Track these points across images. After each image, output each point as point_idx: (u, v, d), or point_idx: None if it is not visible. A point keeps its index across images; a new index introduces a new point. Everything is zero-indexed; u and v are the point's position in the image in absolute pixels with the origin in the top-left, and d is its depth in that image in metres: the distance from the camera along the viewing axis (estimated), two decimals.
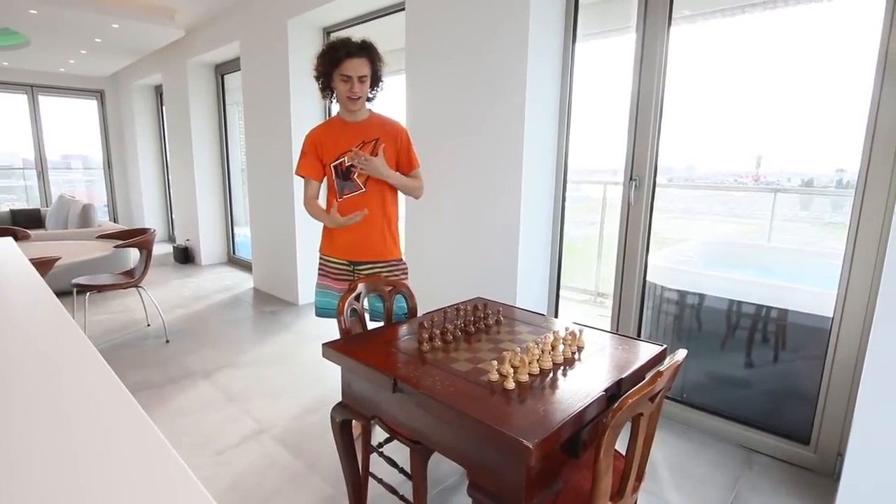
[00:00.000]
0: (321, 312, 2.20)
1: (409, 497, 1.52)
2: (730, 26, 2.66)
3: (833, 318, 1.96)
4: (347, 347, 1.50)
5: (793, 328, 2.38)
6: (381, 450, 1.76)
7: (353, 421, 1.60)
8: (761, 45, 2.58)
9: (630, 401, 1.02)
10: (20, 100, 7.11)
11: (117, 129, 7.88)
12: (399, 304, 1.98)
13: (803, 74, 2.54)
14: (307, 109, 4.16)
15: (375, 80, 2.06)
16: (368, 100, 2.10)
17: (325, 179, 2.14)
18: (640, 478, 1.26)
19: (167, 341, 3.46)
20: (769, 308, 2.42)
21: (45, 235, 4.90)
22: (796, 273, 2.85)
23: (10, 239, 2.21)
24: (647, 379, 1.08)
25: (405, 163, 2.11)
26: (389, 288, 1.91)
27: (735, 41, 2.66)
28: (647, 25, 2.27)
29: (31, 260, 1.82)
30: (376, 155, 2.03)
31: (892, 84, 1.75)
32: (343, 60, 1.94)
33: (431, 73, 2.89)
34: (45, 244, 3.84)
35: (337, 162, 2.07)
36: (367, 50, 1.99)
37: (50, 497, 0.55)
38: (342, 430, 1.59)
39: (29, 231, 4.33)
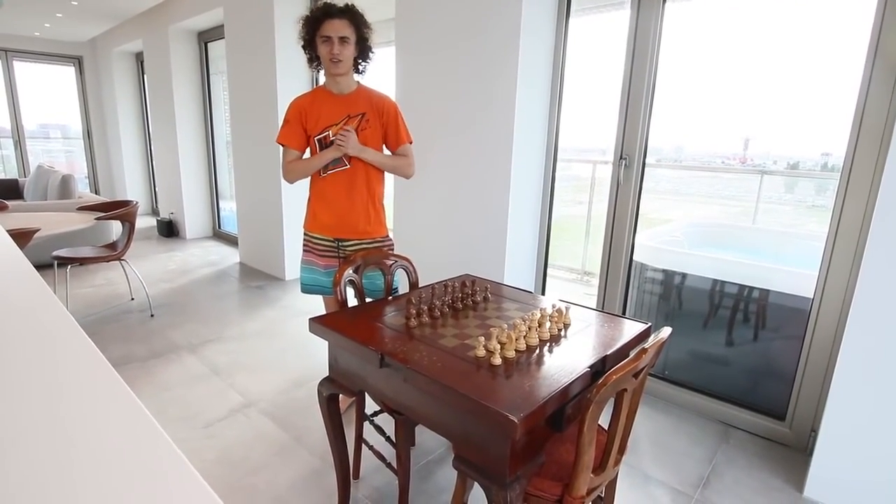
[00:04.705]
0: (306, 288, 2.19)
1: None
2: (723, 4, 2.63)
3: (813, 299, 2.00)
4: (334, 322, 1.49)
5: (773, 308, 2.43)
6: (373, 419, 1.79)
7: (341, 395, 1.62)
8: (753, 26, 2.56)
9: (614, 377, 1.03)
10: None
11: (97, 98, 7.63)
12: (378, 280, 1.98)
13: (793, 57, 2.53)
14: (294, 80, 4.06)
15: (364, 50, 2.00)
16: (358, 72, 2.04)
17: (307, 150, 2.10)
18: (621, 451, 1.29)
19: (152, 315, 3.43)
20: (751, 288, 2.46)
21: (23, 206, 4.77)
22: (779, 254, 2.89)
23: None
24: (631, 356, 1.09)
25: (392, 138, 2.06)
26: (391, 262, 1.91)
27: (727, 21, 2.64)
28: (641, 1, 2.24)
29: (8, 231, 1.78)
30: (363, 130, 2.00)
31: (881, 69, 1.75)
32: (323, 21, 1.90)
33: (421, 48, 2.82)
34: (23, 215, 3.74)
35: (321, 136, 2.02)
36: (348, 12, 1.93)
37: (30, 470, 0.55)
38: (329, 405, 1.60)
39: (6, 202, 4.22)
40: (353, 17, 1.94)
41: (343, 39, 1.90)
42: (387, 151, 2.11)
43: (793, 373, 2.09)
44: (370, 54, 2.04)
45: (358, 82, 2.07)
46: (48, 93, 7.54)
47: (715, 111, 2.95)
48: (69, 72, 7.53)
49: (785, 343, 2.32)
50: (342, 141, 1.94)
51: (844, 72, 1.94)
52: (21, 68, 7.03)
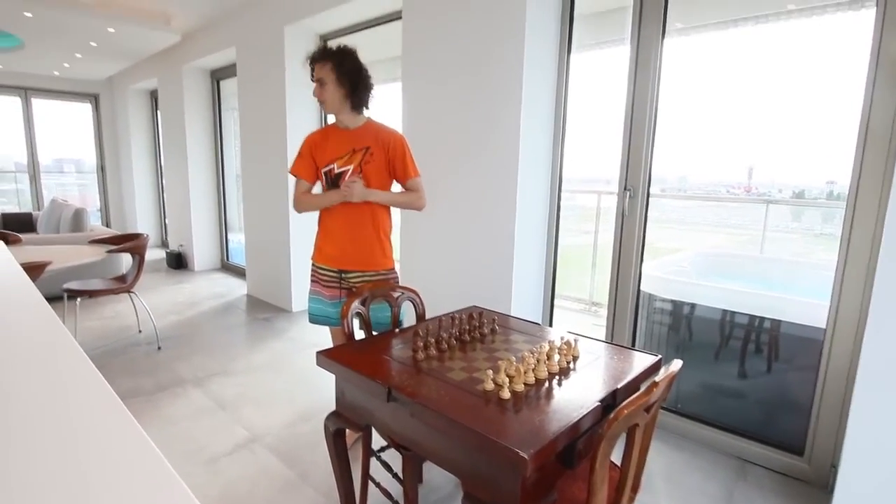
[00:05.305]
0: (314, 318, 2.21)
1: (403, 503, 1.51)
2: (722, 39, 2.70)
3: (826, 329, 1.97)
4: (341, 355, 1.49)
5: (786, 339, 2.40)
6: (380, 454, 1.76)
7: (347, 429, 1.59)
8: (753, 57, 2.62)
9: (626, 411, 1.02)
10: (13, 102, 7.07)
11: (111, 134, 7.84)
12: (384, 313, 1.97)
13: (794, 87, 2.57)
14: (303, 116, 4.16)
15: (354, 84, 2.01)
16: (355, 106, 2.05)
17: (317, 183, 2.15)
18: (635, 489, 1.25)
19: (159, 348, 3.42)
20: (762, 318, 2.43)
21: (36, 239, 4.85)
22: (789, 284, 2.87)
23: (0, 243, 2.19)
24: (642, 389, 1.07)
25: (400, 172, 2.09)
26: (398, 294, 1.91)
27: (727, 54, 2.70)
28: (640, 37, 2.30)
29: (21, 264, 1.80)
30: (366, 163, 2.04)
31: (882, 97, 1.77)
32: (312, 67, 2.03)
33: (427, 83, 2.90)
34: (36, 248, 3.80)
35: (327, 168, 2.08)
36: (322, 54, 2.01)
37: (40, 502, 0.54)
38: (336, 440, 1.57)
39: (20, 235, 4.29)
40: (327, 57, 2.00)
41: (320, 81, 2.00)
42: (398, 185, 2.15)
43: (809, 405, 2.04)
44: (362, 89, 2.03)
45: (368, 118, 2.12)
46: (64, 128, 7.76)
47: (718, 141, 2.99)
48: (85, 108, 7.76)
49: (799, 374, 2.27)
50: (346, 192, 2.00)
51: (845, 99, 1.97)
52: (39, 105, 7.26)
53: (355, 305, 1.75)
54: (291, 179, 2.16)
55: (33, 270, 2.59)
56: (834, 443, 1.97)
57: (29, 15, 4.25)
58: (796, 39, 2.47)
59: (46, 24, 4.56)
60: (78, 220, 5.18)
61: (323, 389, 2.79)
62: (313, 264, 2.21)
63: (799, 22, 2.45)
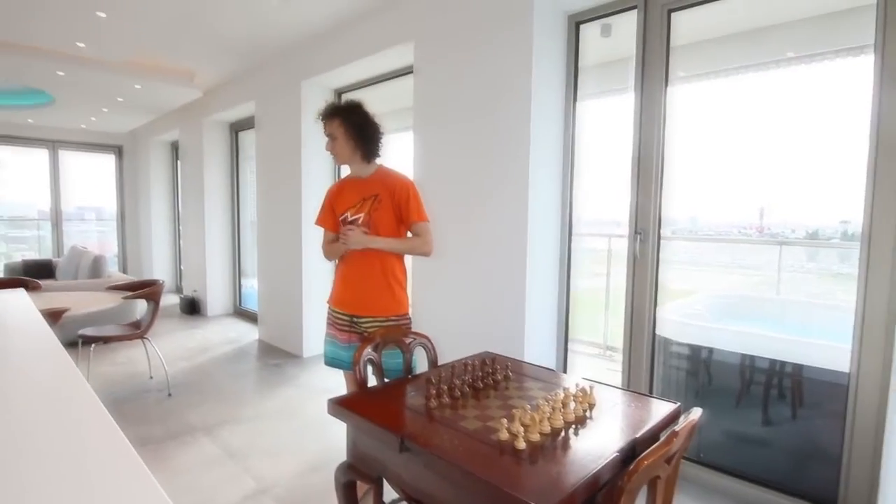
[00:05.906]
0: (329, 361, 2.22)
1: None
2: (725, 85, 2.77)
3: (850, 374, 1.91)
4: (354, 404, 1.47)
5: (809, 383, 2.32)
6: None
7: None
8: (758, 101, 2.67)
9: (646, 462, 0.99)
10: (41, 154, 7.38)
11: (132, 182, 8.11)
12: (396, 359, 1.95)
13: (801, 128, 2.61)
14: (318, 166, 4.28)
15: (361, 137, 2.09)
16: (366, 156, 2.13)
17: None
18: None
19: (169, 394, 3.41)
20: (783, 363, 2.37)
21: (55, 286, 4.94)
22: (808, 326, 2.81)
23: (21, 290, 2.24)
24: (662, 439, 1.05)
25: (405, 216, 2.12)
26: (410, 340, 1.90)
27: (732, 98, 2.76)
28: (644, 86, 2.36)
29: (41, 311, 1.84)
30: (374, 210, 2.09)
31: (888, 138, 1.79)
32: (323, 124, 2.14)
33: (438, 133, 2.99)
34: (55, 294, 3.87)
35: (342, 217, 2.16)
36: (331, 112, 2.13)
37: None
38: (346, 492, 1.53)
39: (40, 281, 4.37)
40: (335, 114, 2.11)
41: (331, 136, 2.12)
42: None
43: (838, 454, 1.96)
44: (370, 140, 2.11)
45: (380, 165, 2.18)
46: (88, 178, 8.05)
47: (728, 182, 3.01)
48: (109, 159, 8.07)
49: (826, 421, 2.19)
50: (343, 239, 2.09)
51: (854, 138, 1.98)
52: (65, 156, 7.57)
53: (367, 352, 1.75)
54: (306, 228, 2.22)
55: (52, 317, 2.63)
56: (868, 493, 1.87)
57: (62, 74, 4.51)
58: (800, 83, 2.53)
59: (77, 82, 4.83)
60: (97, 266, 5.29)
61: (333, 438, 2.74)
62: (329, 308, 2.24)
63: (799, 68, 2.52)
